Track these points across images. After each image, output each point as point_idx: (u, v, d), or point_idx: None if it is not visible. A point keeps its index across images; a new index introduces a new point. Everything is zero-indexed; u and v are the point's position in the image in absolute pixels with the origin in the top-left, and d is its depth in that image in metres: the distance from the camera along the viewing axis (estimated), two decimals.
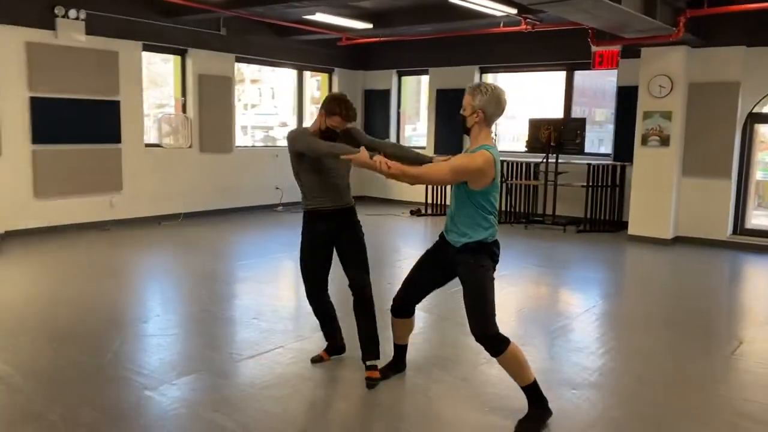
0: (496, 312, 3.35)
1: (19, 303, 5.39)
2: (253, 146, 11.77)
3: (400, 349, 3.99)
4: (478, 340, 3.34)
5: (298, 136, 3.81)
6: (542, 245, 8.61)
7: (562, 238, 9.04)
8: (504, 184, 10.15)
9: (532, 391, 3.36)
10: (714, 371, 4.23)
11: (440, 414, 3.51)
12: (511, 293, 6.07)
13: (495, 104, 3.29)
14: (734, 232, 8.55)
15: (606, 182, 9.48)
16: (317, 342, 4.30)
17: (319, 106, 3.85)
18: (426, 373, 3.99)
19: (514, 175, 10.28)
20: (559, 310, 5.74)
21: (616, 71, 9.14)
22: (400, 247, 8.78)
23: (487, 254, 3.39)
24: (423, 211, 11.09)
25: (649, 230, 8.65)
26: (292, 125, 11.92)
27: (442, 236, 3.57)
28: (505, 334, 3.32)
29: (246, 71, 13.07)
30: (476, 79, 11.26)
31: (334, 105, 3.73)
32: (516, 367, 3.34)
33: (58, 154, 8.25)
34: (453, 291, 3.88)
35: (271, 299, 5.72)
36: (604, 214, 9.59)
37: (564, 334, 4.90)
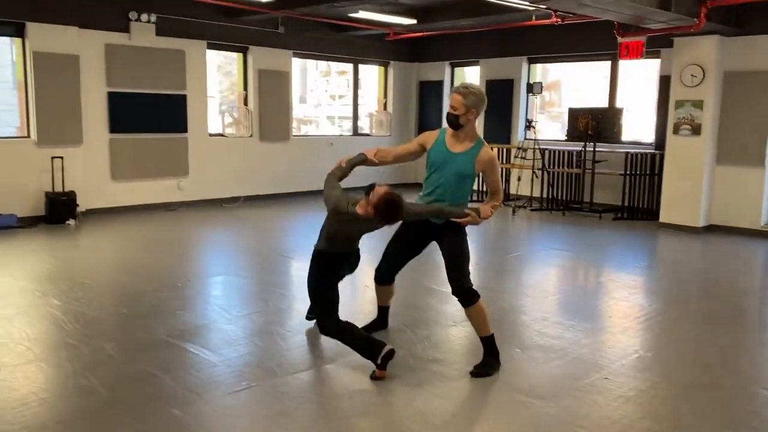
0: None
1: (94, 267, 6.51)
2: (306, 135, 12.63)
3: (383, 311, 4.63)
4: (454, 292, 3.95)
5: (331, 198, 3.93)
6: (572, 231, 8.91)
7: (596, 225, 9.28)
8: (545, 172, 10.47)
9: (489, 342, 3.96)
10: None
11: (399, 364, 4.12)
12: (512, 272, 6.52)
13: (482, 102, 3.90)
14: None
15: (644, 170, 9.60)
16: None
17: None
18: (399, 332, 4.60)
19: (554, 163, 10.57)
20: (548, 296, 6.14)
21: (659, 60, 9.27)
22: None
23: (464, 227, 3.99)
24: (469, 198, 11.52)
25: (680, 218, 8.76)
26: (377, 114, 12.84)
27: None
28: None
29: (334, 65, 13.91)
30: (524, 70, 11.58)
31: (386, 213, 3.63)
32: (481, 319, 3.94)
33: (132, 142, 9.38)
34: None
35: (303, 270, 6.49)
36: (641, 202, 9.72)
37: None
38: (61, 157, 8.50)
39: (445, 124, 4.03)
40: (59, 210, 8.38)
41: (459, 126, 3.90)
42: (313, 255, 4.04)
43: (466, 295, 3.91)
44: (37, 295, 5.31)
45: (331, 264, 3.96)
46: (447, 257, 3.98)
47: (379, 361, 3.76)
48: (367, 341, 3.88)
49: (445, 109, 12.74)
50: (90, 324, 4.61)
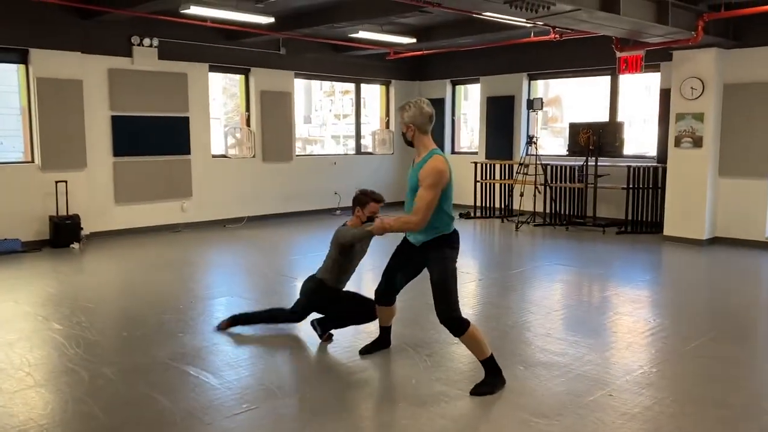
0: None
1: (97, 290, 6.51)
2: (311, 154, 12.68)
3: (385, 330, 4.61)
4: (441, 323, 3.90)
5: (345, 233, 4.55)
6: (576, 245, 8.88)
7: (600, 239, 9.25)
8: (547, 187, 10.46)
9: (490, 364, 3.90)
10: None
11: (402, 384, 4.09)
12: (509, 287, 6.50)
13: (420, 114, 3.82)
14: None
15: (647, 184, 9.58)
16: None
17: (351, 206, 4.64)
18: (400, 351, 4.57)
19: (557, 178, 10.56)
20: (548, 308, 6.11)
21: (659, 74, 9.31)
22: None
23: (447, 246, 3.93)
24: (472, 214, 11.55)
25: (684, 231, 8.73)
26: (380, 133, 12.90)
27: (405, 239, 4.13)
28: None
29: (338, 85, 14.00)
30: (525, 86, 11.62)
31: (362, 197, 4.54)
32: (475, 345, 3.89)
33: (135, 165, 9.44)
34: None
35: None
36: (645, 215, 9.69)
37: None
38: (65, 181, 8.56)
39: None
40: (63, 234, 8.41)
41: (409, 143, 3.94)
42: (317, 286, 4.59)
43: (455, 325, 3.84)
44: (40, 320, 5.31)
45: (336, 295, 4.69)
46: (432, 287, 3.89)
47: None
48: None
49: (447, 126, 13.11)
50: (91, 348, 4.61)
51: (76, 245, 8.42)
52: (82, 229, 8.61)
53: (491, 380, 3.90)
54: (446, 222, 3.89)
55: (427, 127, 3.88)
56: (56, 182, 8.49)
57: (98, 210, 9.09)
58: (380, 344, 4.59)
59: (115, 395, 3.81)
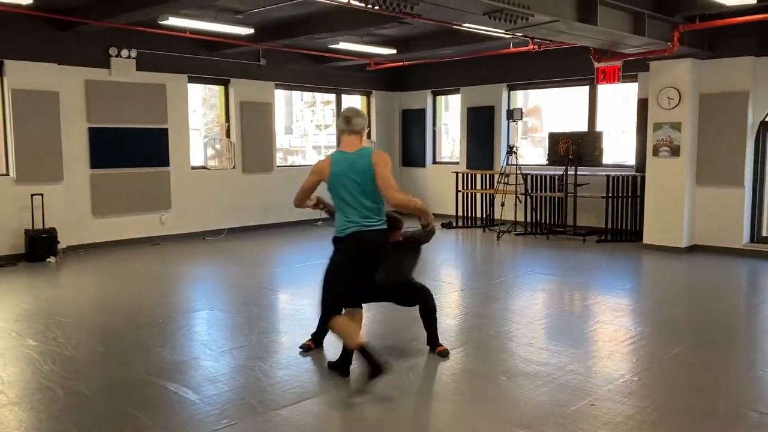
0: None
1: (74, 305, 6.40)
2: (291, 165, 12.65)
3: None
4: None
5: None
6: (556, 254, 8.91)
7: (581, 248, 9.30)
8: (528, 197, 10.51)
9: (362, 352, 3.94)
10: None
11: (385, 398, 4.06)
12: (494, 297, 6.51)
13: (339, 121, 4.27)
14: (751, 240, 8.57)
15: (626, 193, 9.67)
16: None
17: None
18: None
19: (537, 188, 10.62)
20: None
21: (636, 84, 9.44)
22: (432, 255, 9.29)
23: (335, 245, 4.20)
24: (454, 224, 11.56)
25: (663, 239, 8.81)
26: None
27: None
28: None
29: (318, 96, 13.98)
30: (504, 97, 11.70)
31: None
32: (342, 335, 4.05)
33: (114, 177, 9.32)
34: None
35: (288, 303, 6.41)
36: (624, 224, 9.77)
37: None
38: (41, 194, 8.42)
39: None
40: (39, 248, 8.27)
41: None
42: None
43: (325, 317, 4.26)
44: (13, 336, 5.19)
45: None
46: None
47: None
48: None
49: (428, 137, 13.13)
50: (67, 364, 4.51)
51: (52, 259, 8.28)
52: (58, 242, 8.47)
53: (341, 364, 4.21)
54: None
55: (345, 131, 4.21)
56: (32, 195, 8.35)
57: (75, 223, 8.96)
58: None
59: (91, 413, 3.73)
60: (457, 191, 11.47)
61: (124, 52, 9.18)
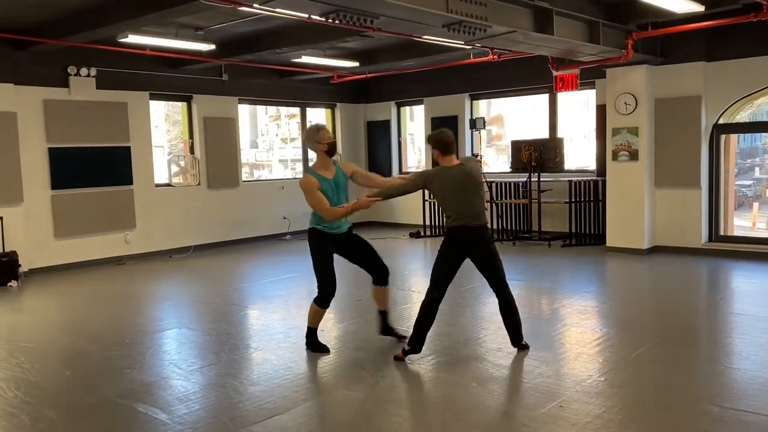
0: None
1: (37, 329, 6.27)
2: (258, 180, 12.60)
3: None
4: None
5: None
6: (523, 260, 9.04)
7: (546, 253, 9.46)
8: (493, 204, 10.65)
9: (309, 333, 5.00)
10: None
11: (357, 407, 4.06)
12: (466, 303, 6.58)
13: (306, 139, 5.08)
14: (709, 239, 8.82)
15: (588, 197, 9.88)
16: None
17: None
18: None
19: (502, 195, 10.77)
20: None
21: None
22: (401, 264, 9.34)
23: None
24: (422, 233, 11.64)
25: (625, 241, 9.01)
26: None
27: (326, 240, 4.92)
28: None
29: (283, 109, 13.97)
30: (467, 106, 11.86)
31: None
32: (310, 314, 4.96)
33: (75, 198, 9.17)
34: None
35: (258, 318, 6.38)
36: (587, 228, 9.97)
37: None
38: (1, 217, 8.24)
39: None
40: (0, 272, 8.07)
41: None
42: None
43: None
44: None
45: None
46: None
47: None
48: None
49: (394, 147, 13.22)
50: (31, 390, 4.42)
51: (14, 283, 8.09)
52: (20, 266, 8.28)
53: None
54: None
55: (312, 147, 5.17)
56: None
57: (37, 245, 8.78)
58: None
59: None
60: (424, 200, 11.57)
61: (84, 71, 9.06)
